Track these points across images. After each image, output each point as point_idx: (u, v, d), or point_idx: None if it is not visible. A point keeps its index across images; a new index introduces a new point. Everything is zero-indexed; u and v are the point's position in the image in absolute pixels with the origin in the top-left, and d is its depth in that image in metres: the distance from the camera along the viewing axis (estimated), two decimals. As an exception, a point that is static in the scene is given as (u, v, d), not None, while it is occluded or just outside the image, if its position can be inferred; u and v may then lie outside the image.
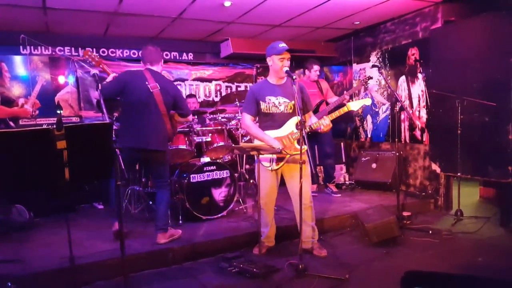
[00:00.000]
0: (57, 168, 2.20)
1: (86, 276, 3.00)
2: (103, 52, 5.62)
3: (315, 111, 4.85)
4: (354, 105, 3.40)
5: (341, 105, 3.93)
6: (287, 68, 3.20)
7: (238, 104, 4.90)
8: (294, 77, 3.08)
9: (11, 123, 5.18)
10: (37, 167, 2.19)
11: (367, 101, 3.56)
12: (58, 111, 2.30)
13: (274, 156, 3.31)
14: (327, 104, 5.23)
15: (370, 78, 5.26)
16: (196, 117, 4.69)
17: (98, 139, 2.32)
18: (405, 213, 4.30)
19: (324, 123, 3.27)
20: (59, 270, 2.96)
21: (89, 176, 2.57)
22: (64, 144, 2.18)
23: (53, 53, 5.39)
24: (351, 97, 5.68)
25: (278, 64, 3.23)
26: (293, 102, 3.29)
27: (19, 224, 4.16)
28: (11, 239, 3.80)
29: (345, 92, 5.56)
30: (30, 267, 3.05)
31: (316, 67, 5.20)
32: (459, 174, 4.42)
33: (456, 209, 4.40)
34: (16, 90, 5.21)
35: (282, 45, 3.22)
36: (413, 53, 5.18)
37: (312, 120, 3.42)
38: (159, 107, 3.43)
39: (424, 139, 5.10)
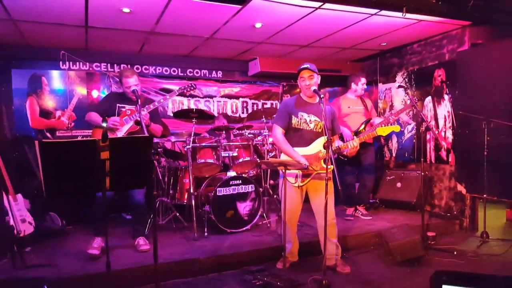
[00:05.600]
0: (99, 177, 2.36)
1: (118, 282, 3.11)
2: (137, 68, 5.86)
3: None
4: (384, 131, 3.49)
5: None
6: (315, 87, 3.30)
7: (264, 121, 5.01)
8: (321, 96, 3.19)
9: (48, 134, 5.47)
10: (81, 176, 2.34)
11: (396, 128, 3.62)
12: (104, 124, 2.46)
13: (300, 172, 3.38)
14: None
15: (421, 99, 4.84)
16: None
17: (139, 151, 2.46)
18: (430, 233, 4.26)
19: (351, 145, 3.35)
20: (92, 275, 3.11)
21: (127, 185, 2.72)
22: (107, 155, 2.33)
23: (90, 68, 5.65)
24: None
25: (300, 84, 3.40)
26: (322, 122, 3.36)
27: (52, 230, 4.35)
28: (46, 244, 3.97)
29: (392, 112, 5.31)
30: (65, 271, 3.19)
31: (363, 80, 4.87)
32: (485, 195, 4.38)
33: (482, 231, 4.35)
34: (54, 103, 5.49)
35: (302, 66, 3.36)
36: (440, 75, 5.21)
37: (338, 143, 3.47)
38: None
39: (449, 160, 5.08)
